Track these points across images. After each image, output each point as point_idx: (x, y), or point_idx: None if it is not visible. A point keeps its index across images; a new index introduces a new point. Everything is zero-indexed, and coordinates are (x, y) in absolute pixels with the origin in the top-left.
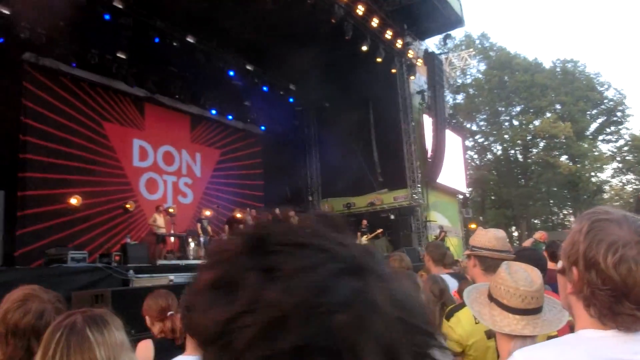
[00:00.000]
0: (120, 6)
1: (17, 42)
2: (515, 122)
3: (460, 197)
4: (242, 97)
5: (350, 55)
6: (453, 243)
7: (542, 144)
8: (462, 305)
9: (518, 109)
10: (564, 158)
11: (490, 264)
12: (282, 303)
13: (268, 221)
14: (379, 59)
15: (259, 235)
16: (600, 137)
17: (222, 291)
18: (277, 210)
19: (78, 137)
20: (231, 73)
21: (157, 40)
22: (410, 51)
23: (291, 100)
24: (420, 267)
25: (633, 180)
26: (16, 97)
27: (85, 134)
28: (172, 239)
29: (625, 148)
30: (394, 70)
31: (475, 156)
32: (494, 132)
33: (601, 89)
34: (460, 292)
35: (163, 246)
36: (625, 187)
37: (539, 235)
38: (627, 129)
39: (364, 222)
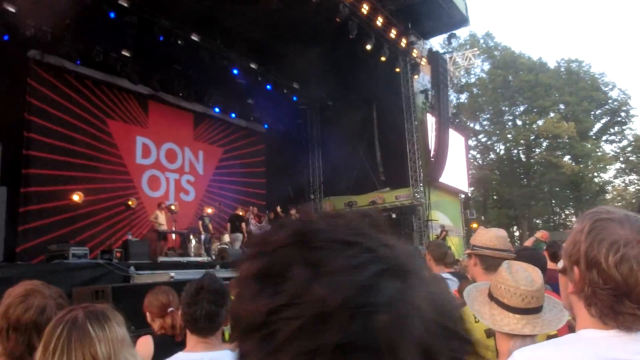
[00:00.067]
0: (125, 4)
1: (22, 40)
2: (519, 122)
3: (462, 196)
4: (245, 95)
5: (354, 54)
6: (454, 242)
7: (545, 144)
8: (462, 304)
9: (522, 108)
10: (567, 158)
11: (491, 263)
12: (328, 299)
13: (314, 216)
14: (383, 58)
15: (306, 229)
16: (604, 138)
17: (266, 282)
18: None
19: (82, 134)
20: (235, 71)
21: (161, 38)
22: (414, 50)
23: (294, 98)
24: None
25: (636, 181)
26: (20, 94)
27: (88, 131)
28: (174, 236)
29: (629, 149)
30: (397, 70)
31: (478, 156)
32: (497, 132)
33: (605, 89)
34: (460, 291)
35: (164, 243)
36: (628, 187)
37: (540, 234)
38: (631, 129)
39: None
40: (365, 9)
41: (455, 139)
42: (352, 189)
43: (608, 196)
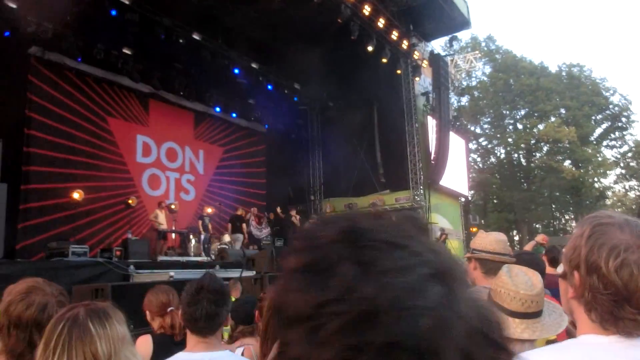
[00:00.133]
0: (127, 2)
1: (23, 36)
2: (520, 126)
3: (462, 199)
4: (246, 95)
5: (356, 56)
6: (454, 245)
7: (545, 148)
8: None
9: (522, 112)
10: (567, 163)
11: (490, 266)
12: (376, 298)
13: (362, 215)
14: (384, 60)
15: (354, 228)
16: (605, 143)
17: (314, 275)
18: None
19: (82, 131)
20: (236, 71)
21: (163, 36)
22: (415, 52)
23: (295, 99)
24: None
25: (636, 187)
26: (21, 91)
27: (89, 129)
28: (173, 235)
29: (629, 154)
30: (399, 71)
31: (479, 159)
32: (498, 136)
33: (607, 94)
34: None
35: (164, 242)
36: (628, 193)
37: (540, 238)
38: (632, 135)
39: None
40: (367, 10)
41: (456, 142)
42: (352, 191)
43: (608, 202)
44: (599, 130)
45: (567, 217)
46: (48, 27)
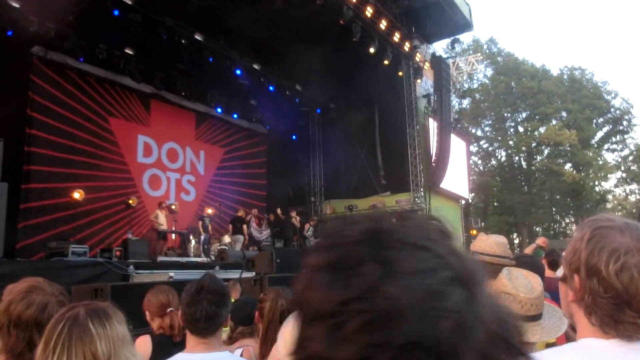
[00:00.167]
0: (129, 2)
1: (25, 36)
2: (521, 129)
3: (463, 202)
4: (248, 96)
5: (357, 57)
6: None
7: (546, 151)
8: None
9: (524, 115)
10: (568, 166)
11: (490, 269)
12: (399, 298)
13: (387, 216)
14: (386, 62)
15: (378, 228)
16: (605, 146)
17: (338, 274)
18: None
19: (83, 131)
20: (238, 72)
21: (164, 37)
22: (417, 54)
23: (297, 100)
24: None
25: (636, 191)
26: (23, 90)
27: (90, 129)
28: (173, 235)
29: (630, 158)
30: (400, 73)
31: (479, 162)
32: (499, 138)
33: (608, 97)
34: None
35: (164, 243)
36: (628, 197)
37: (540, 241)
38: (633, 138)
39: None
40: (369, 11)
41: (457, 145)
42: (353, 192)
43: (609, 205)
44: (600, 134)
45: (567, 220)
46: (50, 27)
